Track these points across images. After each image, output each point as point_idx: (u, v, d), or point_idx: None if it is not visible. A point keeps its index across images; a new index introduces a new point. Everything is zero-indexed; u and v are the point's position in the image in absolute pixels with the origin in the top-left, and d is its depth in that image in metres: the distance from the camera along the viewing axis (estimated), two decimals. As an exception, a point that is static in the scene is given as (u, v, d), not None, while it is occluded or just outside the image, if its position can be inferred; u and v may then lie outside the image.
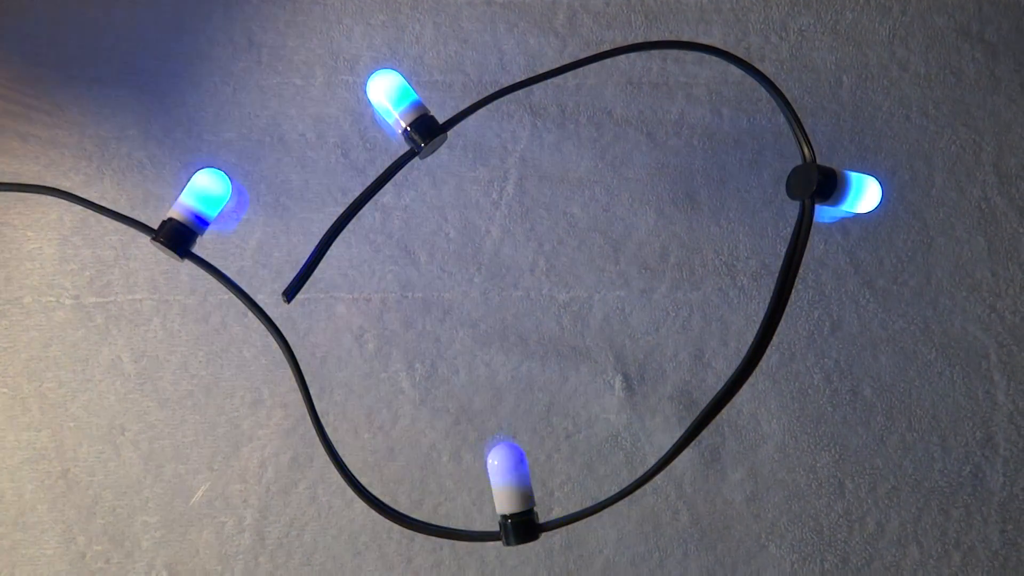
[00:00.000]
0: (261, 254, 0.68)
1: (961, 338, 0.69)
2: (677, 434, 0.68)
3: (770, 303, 0.50)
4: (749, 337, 0.69)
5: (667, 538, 0.68)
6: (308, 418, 0.67)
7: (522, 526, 0.53)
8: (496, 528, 0.55)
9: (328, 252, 0.65)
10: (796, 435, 0.68)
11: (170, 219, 0.55)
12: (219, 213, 0.57)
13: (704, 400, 0.68)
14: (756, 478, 0.68)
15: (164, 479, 0.67)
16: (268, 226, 0.68)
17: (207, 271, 0.56)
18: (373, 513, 0.66)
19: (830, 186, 0.51)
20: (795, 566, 0.68)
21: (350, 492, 0.66)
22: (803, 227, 0.50)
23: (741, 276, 0.69)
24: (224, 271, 0.58)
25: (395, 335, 0.68)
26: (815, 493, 0.68)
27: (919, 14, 0.71)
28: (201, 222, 0.55)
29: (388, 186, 0.68)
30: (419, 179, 0.69)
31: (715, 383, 0.68)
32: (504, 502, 0.53)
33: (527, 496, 0.54)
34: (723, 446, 0.68)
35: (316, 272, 0.68)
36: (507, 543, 0.53)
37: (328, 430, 0.65)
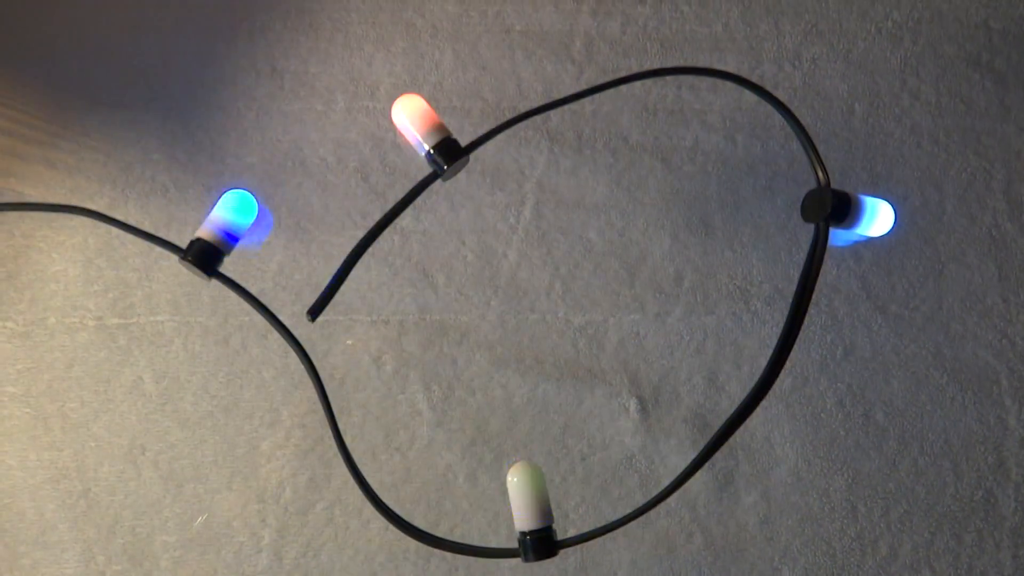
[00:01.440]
0: (282, 276, 0.70)
1: (972, 363, 0.70)
2: (691, 457, 0.69)
3: (785, 325, 0.52)
4: (762, 361, 0.70)
5: (681, 561, 0.69)
6: (326, 439, 0.69)
7: (541, 542, 0.54)
8: (513, 546, 0.57)
9: (349, 276, 0.67)
10: (809, 459, 0.70)
11: (198, 239, 0.57)
12: (245, 234, 0.59)
13: (718, 424, 0.70)
14: (769, 501, 0.69)
15: (183, 499, 0.69)
16: (289, 249, 0.70)
17: (233, 290, 0.58)
18: (390, 534, 0.68)
19: (844, 209, 0.53)
20: (808, 589, 0.69)
21: (367, 513, 0.68)
22: (818, 250, 0.52)
23: (755, 301, 0.71)
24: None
25: (413, 357, 0.70)
26: (828, 517, 0.69)
27: (930, 44, 0.73)
28: (228, 242, 0.57)
29: (407, 210, 0.71)
30: (438, 203, 0.71)
31: (729, 407, 0.70)
32: (524, 519, 0.55)
33: (546, 513, 0.55)
34: (737, 469, 0.70)
35: (336, 295, 0.70)
36: (526, 559, 0.55)
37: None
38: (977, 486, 0.69)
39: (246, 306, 0.69)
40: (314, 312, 0.54)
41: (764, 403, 0.70)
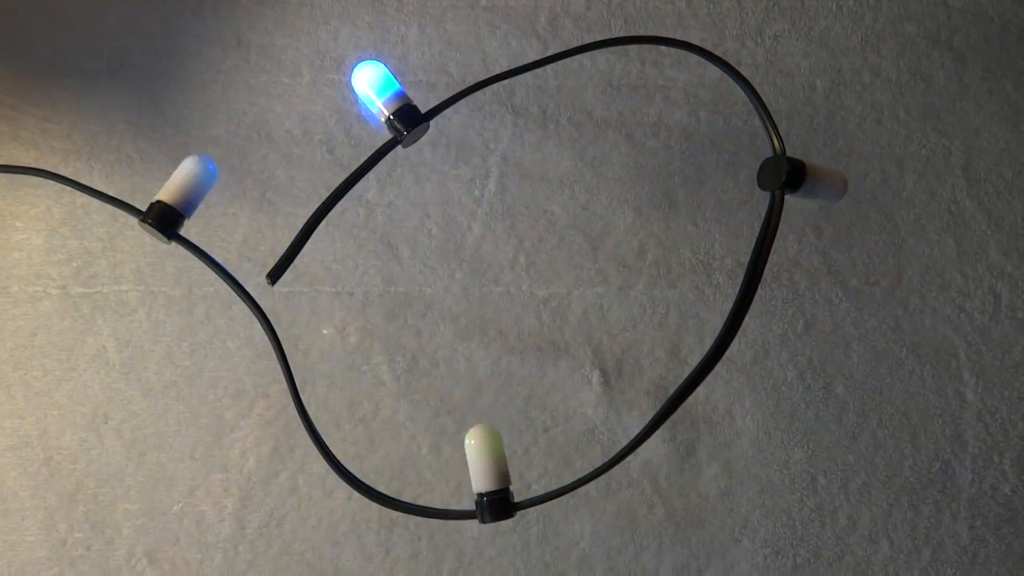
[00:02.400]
0: (246, 247, 0.71)
1: (931, 337, 0.72)
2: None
3: (740, 290, 0.53)
4: (724, 334, 0.71)
5: (642, 531, 0.70)
6: (290, 409, 0.70)
7: (498, 504, 0.55)
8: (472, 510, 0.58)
9: (311, 246, 0.68)
10: (770, 431, 0.71)
11: (158, 201, 0.58)
12: (204, 198, 0.60)
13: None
14: (730, 473, 0.71)
15: (146, 467, 0.69)
16: (254, 220, 0.71)
17: (194, 253, 0.59)
18: (353, 503, 0.69)
19: (799, 177, 0.55)
20: (768, 560, 0.70)
21: (330, 482, 0.69)
22: (773, 217, 0.53)
23: (717, 274, 0.72)
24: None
25: (377, 329, 0.71)
26: (788, 488, 0.71)
27: (890, 22, 0.75)
28: (188, 205, 0.57)
29: (372, 182, 0.72)
30: (402, 176, 0.72)
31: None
32: (480, 480, 0.56)
33: (503, 474, 0.56)
34: (698, 441, 0.71)
35: (300, 266, 0.71)
36: (482, 520, 0.56)
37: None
38: (935, 458, 0.71)
39: (211, 276, 0.70)
40: (274, 275, 0.55)
41: (726, 376, 0.72)
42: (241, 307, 0.70)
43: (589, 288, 0.72)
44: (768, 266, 0.72)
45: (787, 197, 0.56)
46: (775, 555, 0.70)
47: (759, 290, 0.72)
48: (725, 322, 0.54)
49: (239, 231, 0.71)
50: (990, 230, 0.72)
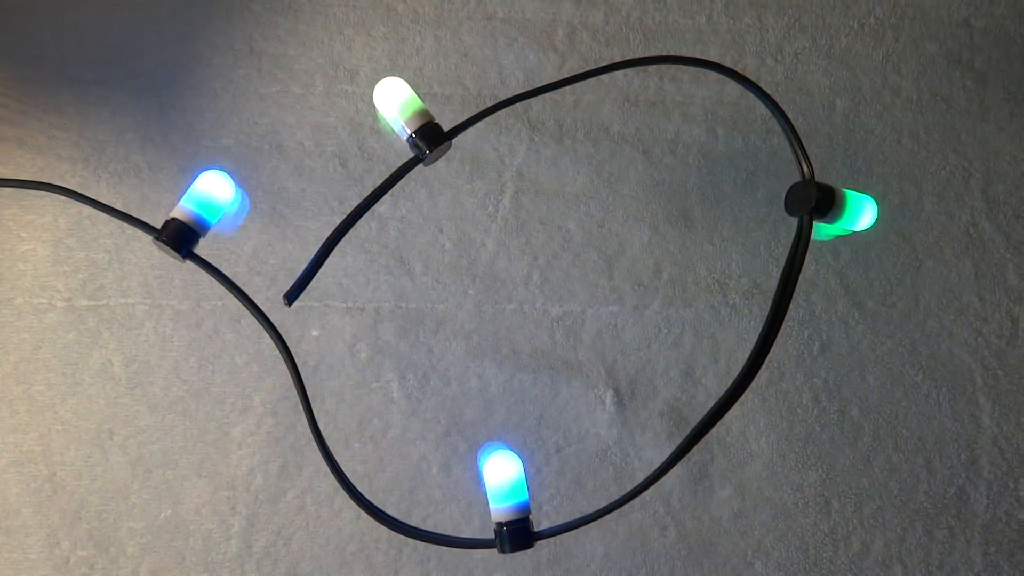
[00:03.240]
0: (256, 261, 0.70)
1: (948, 361, 0.72)
2: (667, 450, 0.70)
3: (767, 317, 0.53)
4: (740, 355, 0.71)
5: (655, 554, 0.70)
6: (298, 427, 0.69)
7: (517, 533, 0.55)
8: (488, 537, 0.58)
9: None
10: (784, 454, 0.71)
11: (173, 219, 0.57)
12: (222, 216, 0.60)
13: (694, 417, 0.71)
14: (744, 495, 0.70)
15: (152, 485, 0.69)
16: (264, 233, 0.70)
17: (209, 272, 0.58)
18: (361, 523, 0.69)
19: (828, 203, 0.54)
20: (781, 584, 0.70)
21: (339, 501, 0.69)
22: (801, 243, 0.53)
23: (733, 294, 0.72)
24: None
25: (388, 345, 0.70)
26: (802, 512, 0.71)
27: (911, 41, 0.74)
28: (204, 223, 0.57)
29: (385, 196, 0.71)
30: (416, 190, 0.71)
31: (705, 400, 0.71)
32: (500, 509, 0.56)
33: (523, 504, 0.56)
34: (712, 463, 0.71)
35: (311, 281, 0.70)
36: (502, 550, 0.56)
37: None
38: (950, 483, 0.71)
39: (219, 290, 0.70)
40: (290, 296, 0.55)
41: (740, 397, 0.71)
42: (250, 321, 0.70)
43: (603, 306, 0.71)
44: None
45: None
46: (788, 579, 0.70)
47: (775, 311, 0.72)
48: (751, 353, 0.54)
49: (249, 244, 0.70)
50: (1009, 253, 0.72)
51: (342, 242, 0.70)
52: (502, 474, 0.57)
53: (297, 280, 0.55)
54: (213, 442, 0.69)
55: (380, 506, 0.69)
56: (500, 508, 0.56)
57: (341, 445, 0.70)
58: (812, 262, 0.72)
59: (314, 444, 0.61)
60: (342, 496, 0.69)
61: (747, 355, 0.71)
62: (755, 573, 0.70)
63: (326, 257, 0.55)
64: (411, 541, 0.69)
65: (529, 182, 0.72)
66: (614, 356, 0.71)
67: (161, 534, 0.68)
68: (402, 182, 0.68)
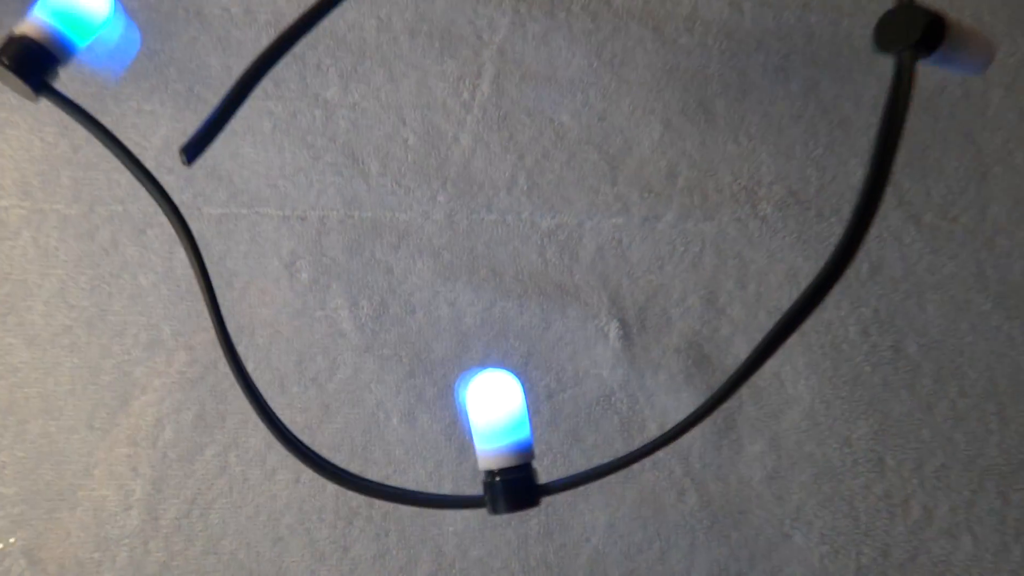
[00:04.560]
0: (167, 155, 0.56)
1: (1021, 286, 0.60)
2: (684, 395, 0.58)
3: (856, 206, 0.40)
4: (772, 279, 0.59)
5: (670, 524, 0.57)
6: (220, 365, 0.55)
7: (517, 486, 0.41)
8: (473, 494, 0.44)
9: (252, 156, 0.54)
10: (827, 400, 0.58)
11: (20, 35, 0.42)
12: (93, 38, 0.44)
13: (717, 355, 0.58)
14: (779, 451, 0.58)
15: (28, 440, 0.54)
16: (178, 120, 0.56)
17: (71, 114, 0.43)
18: (301, 488, 0.55)
19: (937, 35, 0.41)
20: (825, 560, 0.57)
21: (272, 460, 0.55)
22: (902, 89, 0.40)
23: (764, 204, 0.59)
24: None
25: (336, 264, 0.56)
26: (850, 471, 0.58)
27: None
28: (65, 44, 0.42)
29: (333, 77, 0.58)
30: (372, 71, 0.58)
31: (730, 333, 0.58)
32: (492, 453, 0.42)
33: (525, 444, 0.42)
34: (739, 412, 0.58)
35: (237, 181, 0.56)
36: (494, 510, 0.42)
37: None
38: (1027, 434, 0.59)
39: (120, 191, 0.56)
40: (189, 151, 0.41)
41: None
42: (158, 232, 0.56)
43: (606, 218, 0.58)
44: (824, 196, 0.59)
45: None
46: (834, 554, 0.57)
47: (813, 226, 0.59)
48: (833, 255, 0.41)
49: (159, 133, 0.56)
50: (1092, 157, 0.61)
51: (277, 134, 0.56)
52: (495, 401, 0.43)
53: (199, 130, 0.41)
54: (109, 385, 0.55)
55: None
56: (492, 450, 0.42)
57: (275, 389, 0.56)
58: (858, 166, 0.60)
59: (239, 387, 0.47)
60: (277, 453, 0.55)
61: (780, 278, 0.59)
62: (793, 547, 0.57)
63: (242, 99, 0.41)
64: (363, 511, 0.55)
65: (513, 63, 0.59)
66: (619, 279, 0.58)
67: (39, 502, 0.54)
68: (354, 60, 0.54)
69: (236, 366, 0.47)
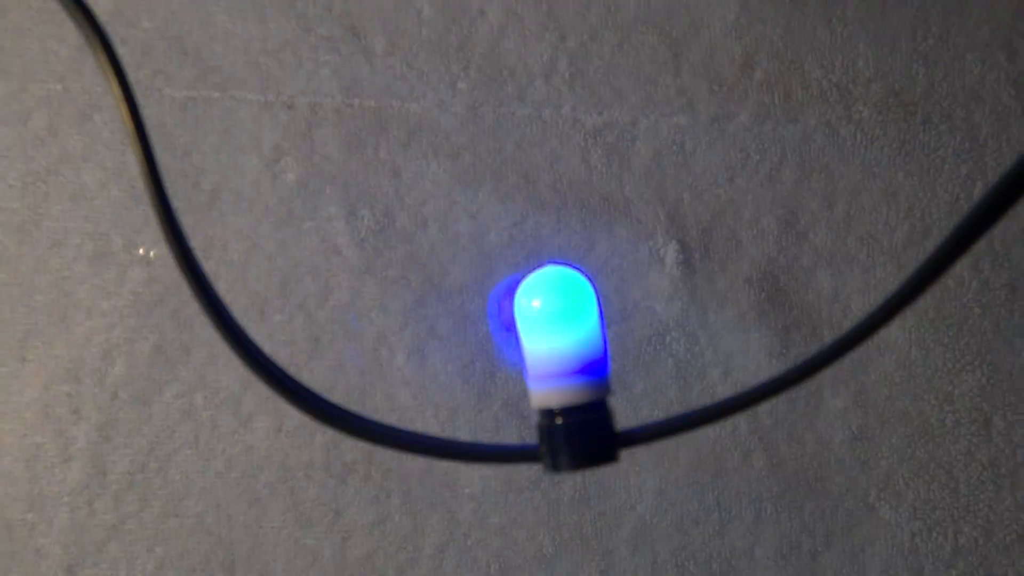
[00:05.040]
0: (122, 22, 0.45)
1: None
2: (754, 336, 0.47)
3: None
4: (865, 199, 0.48)
5: (732, 490, 0.47)
6: (185, 286, 0.44)
7: (589, 432, 0.31)
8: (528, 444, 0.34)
9: (227, 25, 0.43)
10: (927, 346, 0.48)
11: None
12: None
13: (797, 288, 0.48)
14: (866, 408, 0.48)
15: (-58, 371, 0.44)
16: (132, -25, 0.45)
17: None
18: (284, 438, 0.45)
19: None
20: (917, 538, 0.48)
21: (249, 403, 0.44)
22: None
23: (859, 105, 0.48)
24: None
25: (330, 163, 0.46)
26: (950, 433, 0.48)
27: None
28: None
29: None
30: (379, -79, 0.46)
31: (812, 263, 0.48)
32: (554, 384, 0.31)
33: (600, 372, 0.32)
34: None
35: (207, 57, 0.45)
36: (555, 466, 0.32)
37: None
38: None
39: (57, 67, 0.44)
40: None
41: (864, 259, 0.48)
42: (104, 117, 0.45)
43: (665, 116, 0.47)
44: (933, 98, 0.48)
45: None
46: (927, 532, 0.48)
47: (918, 134, 0.49)
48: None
49: (107, -8, 0.45)
50: None
51: (260, 2, 0.45)
52: (559, 308, 0.32)
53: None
54: (45, 307, 0.44)
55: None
56: (553, 379, 0.31)
57: (253, 317, 0.45)
58: (976, 63, 0.49)
59: (204, 311, 0.36)
60: (254, 395, 0.45)
61: (876, 198, 0.48)
62: (880, 521, 0.48)
63: None
64: (360, 467, 0.45)
65: (556, -82, 0.47)
66: (679, 192, 0.47)
67: (-43, 450, 0.43)
68: None
69: (198, 284, 0.36)
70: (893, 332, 0.48)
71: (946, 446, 0.48)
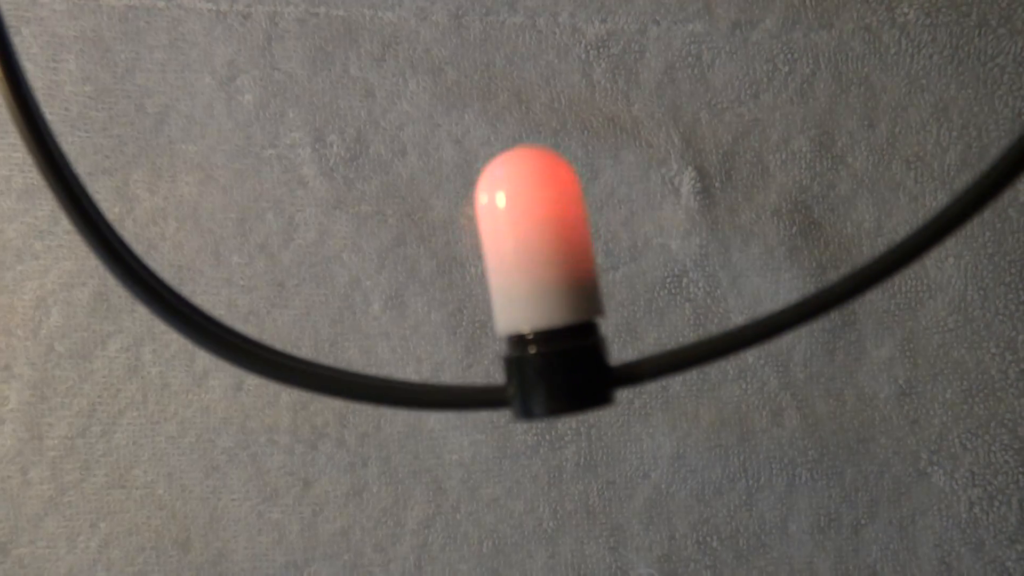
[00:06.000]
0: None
1: None
2: (784, 276, 0.42)
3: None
4: (912, 116, 0.42)
5: (762, 453, 0.42)
6: (125, 223, 0.39)
7: (572, 363, 0.24)
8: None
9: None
10: (985, 286, 0.42)
11: None
12: None
13: (832, 221, 0.42)
14: (914, 358, 0.42)
15: None
16: None
17: None
18: (245, 397, 0.40)
19: None
20: (975, 508, 0.42)
21: (204, 361, 0.39)
22: None
23: (903, 7, 0.42)
24: None
25: (293, 82, 0.40)
26: (1012, 387, 0.43)
27: None
28: None
29: None
30: None
31: (851, 191, 0.42)
32: (524, 302, 0.25)
33: (587, 287, 0.25)
34: (860, 302, 0.42)
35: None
36: (525, 411, 0.25)
37: (166, 246, 0.38)
38: None
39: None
40: None
41: (912, 187, 0.42)
42: (38, 30, 0.39)
43: (679, 23, 0.42)
44: (980, 6, 0.42)
45: None
46: (988, 500, 0.42)
47: (972, 40, 0.42)
48: None
49: None
50: None
51: None
52: (531, 200, 0.26)
53: None
54: (-31, 248, 0.39)
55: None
56: (523, 295, 0.25)
57: (208, 258, 0.40)
58: (1039, -43, 0.42)
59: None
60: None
61: (925, 114, 0.42)
62: (932, 489, 0.42)
63: None
64: (332, 431, 0.40)
65: None
66: (696, 110, 0.41)
67: None
68: None
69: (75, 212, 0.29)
70: (946, 271, 0.42)
71: (1008, 401, 0.43)
